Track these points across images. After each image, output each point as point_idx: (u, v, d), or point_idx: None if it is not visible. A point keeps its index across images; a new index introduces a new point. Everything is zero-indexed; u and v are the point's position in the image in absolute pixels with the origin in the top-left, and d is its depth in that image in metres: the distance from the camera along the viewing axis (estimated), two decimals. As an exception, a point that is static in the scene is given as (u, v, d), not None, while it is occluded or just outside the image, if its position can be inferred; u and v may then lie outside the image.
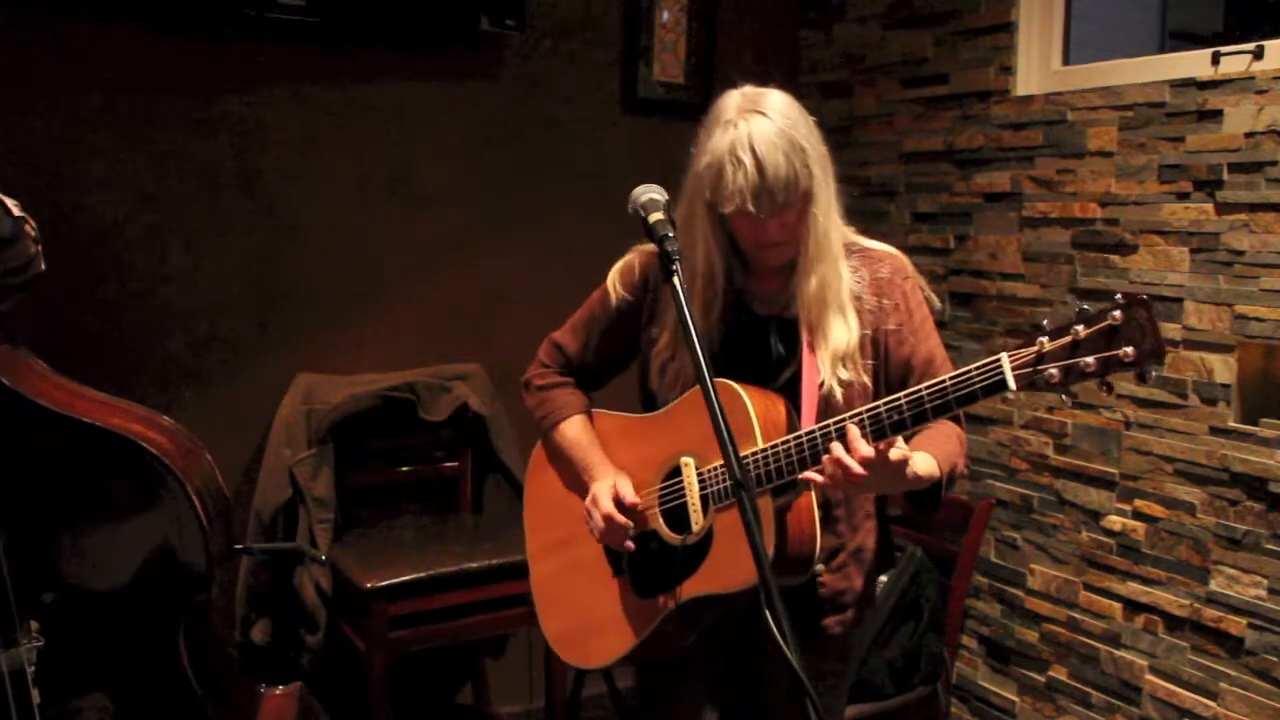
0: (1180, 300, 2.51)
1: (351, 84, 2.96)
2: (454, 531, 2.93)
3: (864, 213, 3.37)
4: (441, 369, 3.04)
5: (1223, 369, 2.43)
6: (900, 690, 2.56)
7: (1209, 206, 2.45)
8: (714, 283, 1.72)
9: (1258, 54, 2.37)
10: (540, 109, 3.21)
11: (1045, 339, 1.39)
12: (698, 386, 1.66)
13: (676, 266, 1.45)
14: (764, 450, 1.60)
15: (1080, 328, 1.36)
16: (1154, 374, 1.34)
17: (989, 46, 2.97)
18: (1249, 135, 2.36)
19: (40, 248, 1.92)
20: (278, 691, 2.12)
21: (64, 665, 1.81)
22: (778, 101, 1.66)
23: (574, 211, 3.21)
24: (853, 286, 1.73)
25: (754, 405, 1.64)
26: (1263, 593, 2.36)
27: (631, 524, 1.74)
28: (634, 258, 1.85)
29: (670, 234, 1.47)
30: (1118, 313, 1.34)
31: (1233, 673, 2.42)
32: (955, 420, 1.73)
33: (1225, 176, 2.41)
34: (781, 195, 1.60)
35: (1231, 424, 2.41)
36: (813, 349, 1.69)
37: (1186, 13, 5.39)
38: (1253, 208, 2.37)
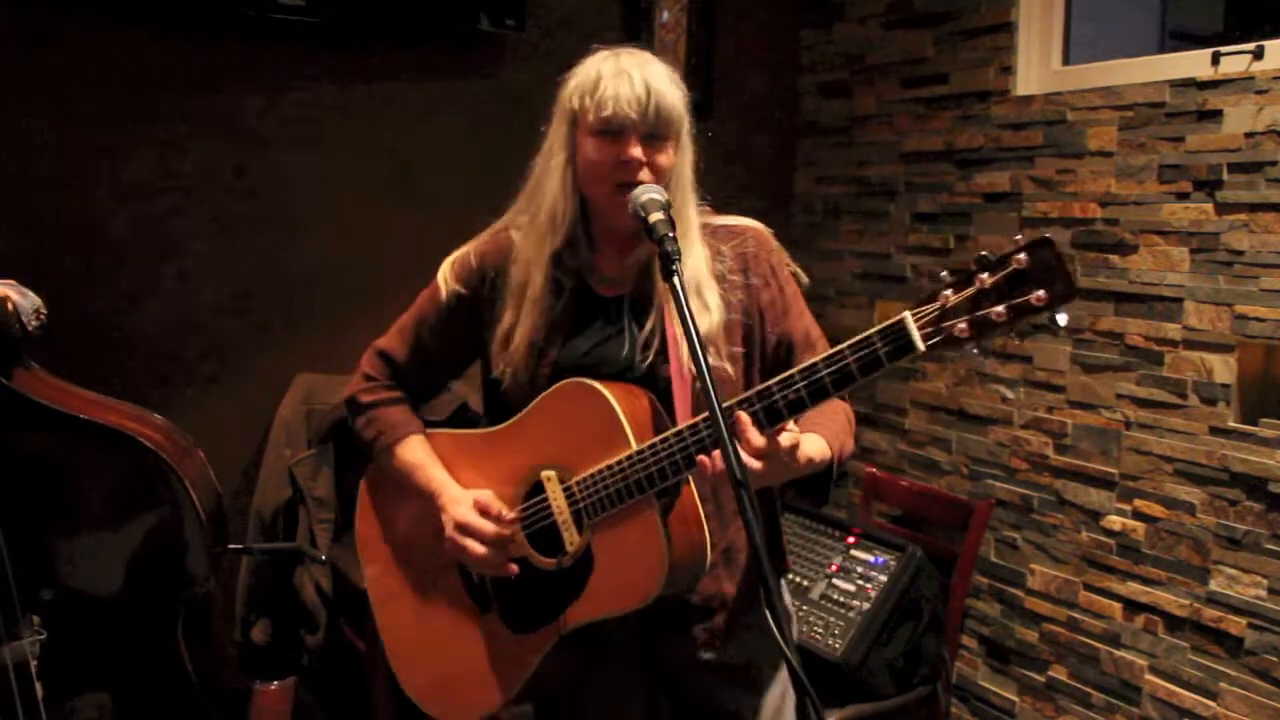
0: (1180, 300, 2.51)
1: (351, 84, 2.96)
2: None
3: (864, 213, 3.37)
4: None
5: (1223, 369, 2.43)
6: (900, 690, 2.56)
7: (1209, 206, 2.45)
8: (557, 227, 1.59)
9: (1258, 54, 2.37)
10: (540, 109, 3.19)
11: (948, 292, 1.28)
12: (547, 392, 1.56)
13: (677, 267, 1.39)
14: (641, 452, 1.46)
15: (984, 275, 1.26)
16: (1065, 319, 1.26)
17: (989, 46, 2.97)
18: (1249, 135, 2.36)
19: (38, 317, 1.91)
20: (272, 687, 2.12)
21: (66, 659, 1.81)
22: (655, 57, 1.59)
23: (574, 211, 3.20)
24: (715, 266, 1.59)
25: (620, 404, 1.49)
26: (1263, 593, 2.36)
27: (510, 538, 1.57)
28: (468, 249, 1.71)
29: (670, 234, 1.43)
30: (1022, 255, 1.24)
31: (1233, 673, 2.42)
32: (842, 396, 1.62)
33: (1225, 176, 2.41)
34: (664, 114, 1.52)
35: (1231, 424, 2.41)
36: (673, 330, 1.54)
37: (1186, 13, 5.38)
38: (1253, 208, 2.37)
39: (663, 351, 1.56)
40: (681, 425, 1.45)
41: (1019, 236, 1.26)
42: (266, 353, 2.92)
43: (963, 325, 1.27)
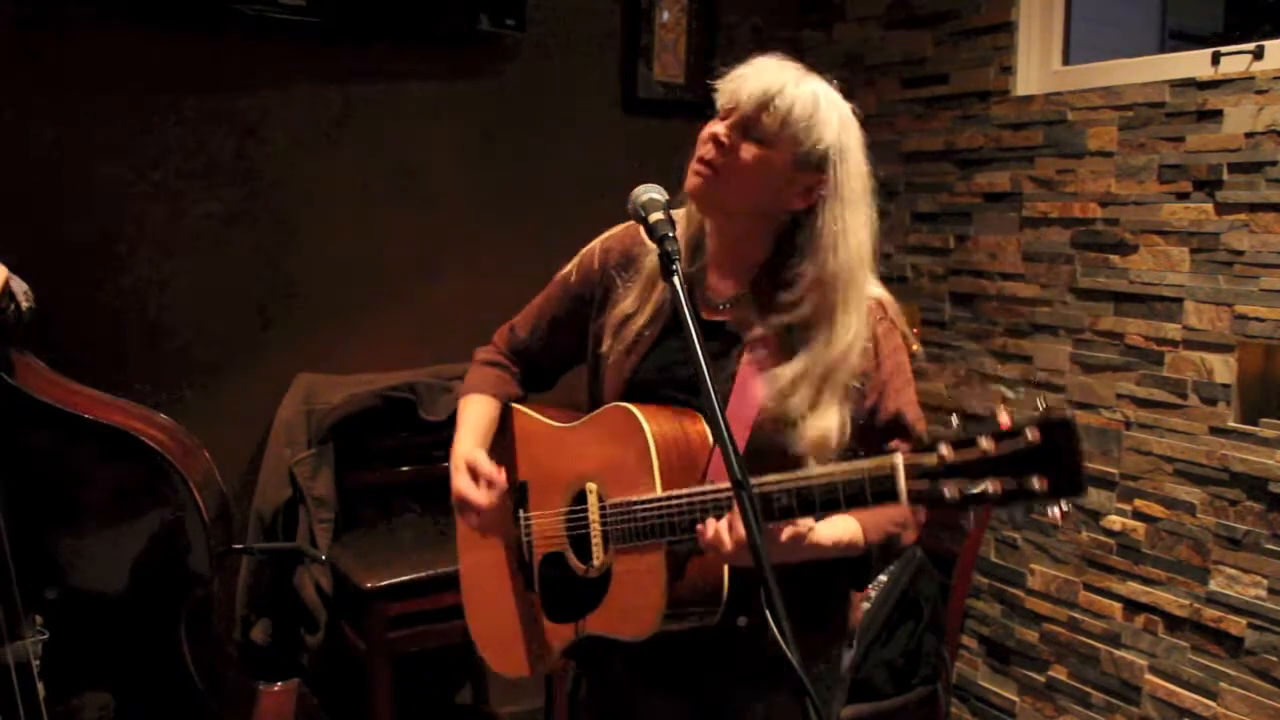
0: (1180, 300, 2.51)
1: (351, 84, 2.96)
2: (454, 531, 2.92)
3: (864, 213, 3.37)
4: (441, 369, 3.04)
5: (1223, 369, 2.43)
6: (900, 690, 2.56)
7: (1209, 206, 2.45)
8: (686, 224, 1.56)
9: (1258, 54, 2.37)
10: (540, 109, 3.21)
11: (948, 448, 1.19)
12: (602, 409, 1.56)
13: (677, 266, 1.39)
14: (660, 500, 1.44)
15: (988, 443, 1.16)
16: (1067, 511, 1.15)
17: (989, 46, 2.97)
18: (1249, 135, 2.36)
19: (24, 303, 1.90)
20: (276, 688, 2.12)
21: (69, 660, 1.81)
22: (834, 91, 1.51)
23: (574, 211, 3.20)
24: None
25: (657, 441, 1.47)
26: (1263, 593, 2.36)
27: (484, 499, 1.59)
28: (596, 243, 1.71)
29: (670, 234, 1.42)
30: (1034, 432, 1.14)
31: (1233, 673, 2.42)
32: None
33: (1225, 176, 2.41)
34: (778, 113, 1.44)
35: (1231, 424, 2.41)
36: (756, 377, 1.48)
37: (1186, 13, 5.39)
38: (1253, 208, 2.37)
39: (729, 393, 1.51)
40: (704, 486, 1.42)
41: (1040, 403, 1.18)
42: (266, 353, 2.92)
43: (952, 490, 1.19)
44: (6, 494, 1.76)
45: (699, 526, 1.39)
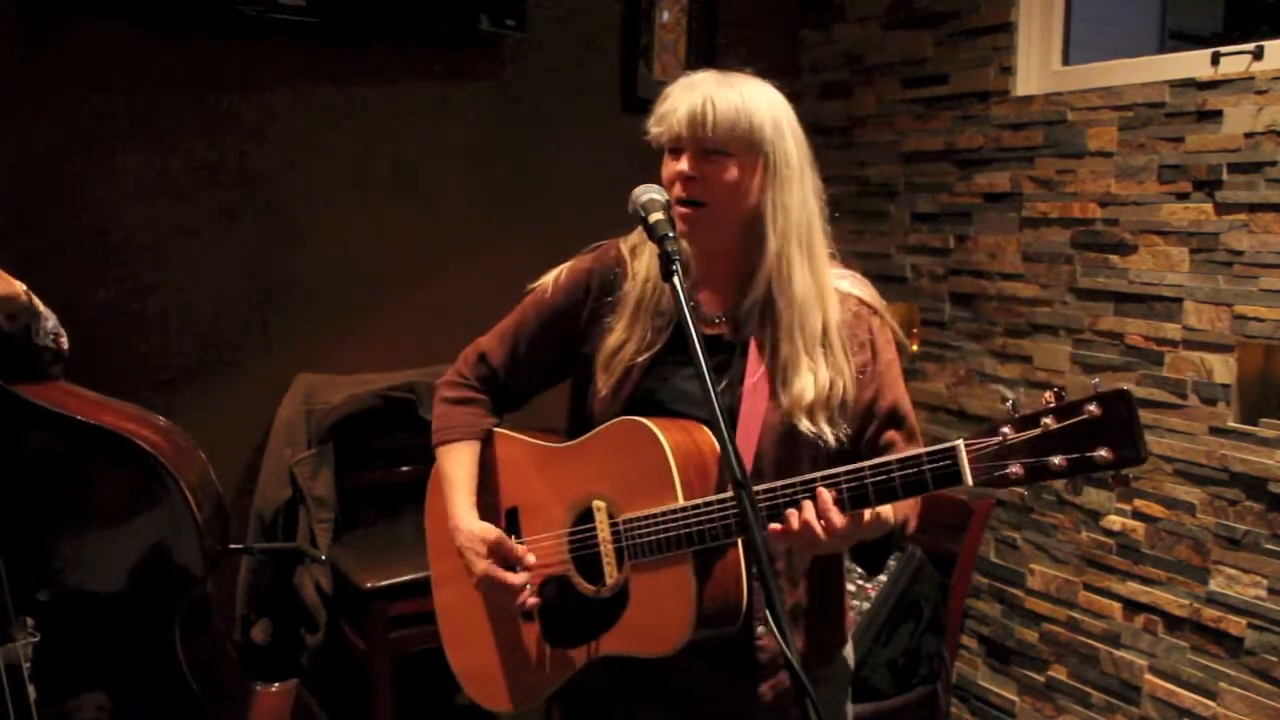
0: (1180, 300, 2.51)
1: (351, 84, 2.96)
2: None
3: (864, 213, 3.37)
4: (441, 369, 3.01)
5: (1222, 369, 2.43)
6: (900, 690, 2.56)
7: (1209, 206, 2.45)
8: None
9: (1258, 54, 2.37)
10: (540, 109, 3.21)
11: (1009, 429, 1.23)
12: (610, 423, 1.54)
13: (676, 267, 1.39)
14: (685, 509, 1.44)
15: (1050, 420, 1.21)
16: (1130, 480, 1.20)
17: (989, 46, 2.97)
18: (1249, 135, 2.36)
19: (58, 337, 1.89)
20: (273, 689, 2.11)
21: (60, 662, 1.80)
22: (756, 80, 1.55)
23: (574, 211, 3.20)
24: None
25: (674, 452, 1.47)
26: (1262, 593, 2.36)
27: (523, 581, 1.58)
28: (578, 261, 1.69)
29: (670, 234, 1.42)
30: (1094, 406, 1.19)
31: (1232, 673, 2.42)
32: None
33: (1225, 176, 2.41)
34: (720, 127, 1.46)
35: (1231, 424, 2.41)
36: (771, 387, 1.50)
37: (1186, 13, 5.39)
38: (1252, 208, 2.37)
39: (737, 404, 1.52)
40: (727, 493, 1.41)
41: (1096, 382, 1.23)
42: (266, 353, 2.92)
43: (1017, 468, 1.23)
44: None
45: (775, 525, 1.36)
